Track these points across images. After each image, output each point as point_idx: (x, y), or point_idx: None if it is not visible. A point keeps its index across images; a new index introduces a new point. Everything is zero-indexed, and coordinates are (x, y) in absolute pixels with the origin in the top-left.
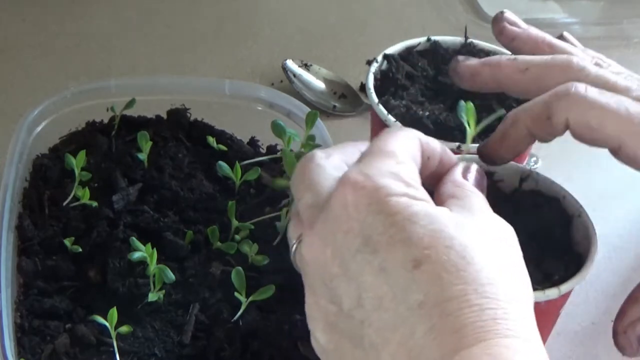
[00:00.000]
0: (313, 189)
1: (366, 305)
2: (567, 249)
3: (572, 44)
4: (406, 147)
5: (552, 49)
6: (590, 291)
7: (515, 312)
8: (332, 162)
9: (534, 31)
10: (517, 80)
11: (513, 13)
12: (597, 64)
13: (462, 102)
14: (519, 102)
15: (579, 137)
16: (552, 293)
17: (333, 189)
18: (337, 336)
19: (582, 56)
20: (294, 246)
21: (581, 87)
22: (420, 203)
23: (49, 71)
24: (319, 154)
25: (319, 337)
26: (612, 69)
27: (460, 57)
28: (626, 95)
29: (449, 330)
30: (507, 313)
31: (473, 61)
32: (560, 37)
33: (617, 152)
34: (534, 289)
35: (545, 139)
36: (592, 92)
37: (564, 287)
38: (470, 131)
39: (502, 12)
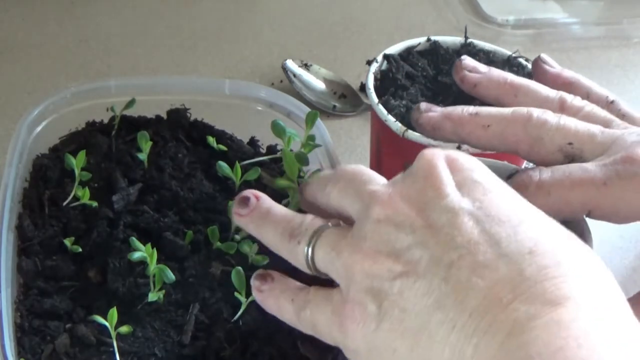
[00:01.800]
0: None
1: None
2: None
3: (550, 65)
4: None
5: (515, 91)
6: None
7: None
8: None
9: (495, 74)
10: (479, 136)
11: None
12: (561, 104)
13: None
14: None
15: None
16: None
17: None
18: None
19: (544, 97)
20: (311, 244)
21: (535, 176)
22: None
23: (49, 71)
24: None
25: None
26: (575, 106)
27: (423, 106)
28: (590, 144)
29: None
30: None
31: (435, 113)
32: (537, 59)
33: (589, 215)
34: None
35: None
36: (546, 175)
37: None
38: None
39: (460, 60)
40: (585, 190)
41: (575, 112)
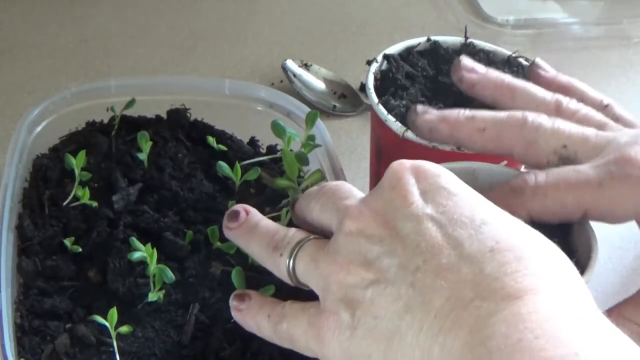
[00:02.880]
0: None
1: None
2: (567, 255)
3: (544, 69)
4: None
5: (512, 93)
6: (591, 291)
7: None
8: None
9: (493, 75)
10: (475, 139)
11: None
12: (557, 107)
13: None
14: None
15: (547, 221)
16: None
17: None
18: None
19: (541, 99)
20: (293, 255)
21: (530, 179)
22: None
23: (49, 71)
24: None
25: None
26: (570, 109)
27: (419, 108)
28: (584, 146)
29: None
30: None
31: (431, 115)
32: (532, 64)
33: (586, 217)
34: None
35: None
36: (541, 178)
37: None
38: None
39: (459, 60)
40: (581, 192)
41: (570, 115)
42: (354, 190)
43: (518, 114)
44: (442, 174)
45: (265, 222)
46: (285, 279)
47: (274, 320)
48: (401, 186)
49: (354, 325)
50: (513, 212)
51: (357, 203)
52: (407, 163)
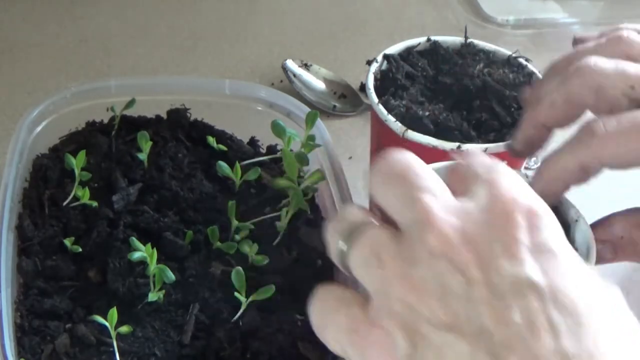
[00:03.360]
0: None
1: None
2: None
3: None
4: None
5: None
6: None
7: None
8: None
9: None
10: (550, 115)
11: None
12: (618, 42)
13: None
14: (519, 102)
15: (622, 169)
16: None
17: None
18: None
19: (597, 44)
20: (349, 238)
21: (599, 128)
22: None
23: (49, 71)
24: None
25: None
26: (633, 40)
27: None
28: None
29: None
30: None
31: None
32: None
33: None
34: None
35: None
36: (610, 125)
37: None
38: None
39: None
40: None
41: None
42: (428, 174)
43: (579, 63)
44: (555, 229)
45: None
46: (335, 260)
47: (313, 305)
48: (512, 231)
49: (413, 357)
50: (586, 165)
51: (444, 212)
52: (522, 199)
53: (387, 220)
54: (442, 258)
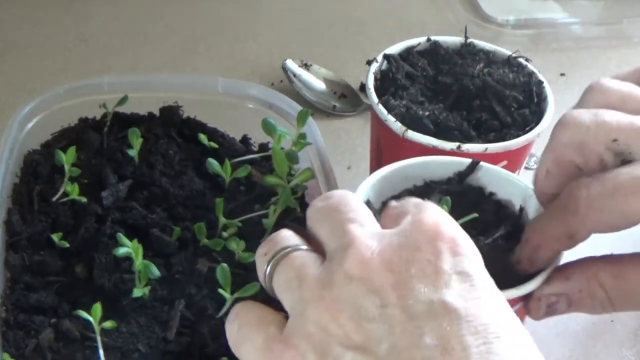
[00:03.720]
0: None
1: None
2: None
3: None
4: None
5: None
6: None
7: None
8: None
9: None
10: (545, 186)
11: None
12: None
13: (443, 200)
14: (519, 101)
15: (611, 232)
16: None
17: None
18: None
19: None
20: (276, 257)
21: (581, 194)
22: None
23: (49, 71)
24: None
25: None
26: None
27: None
28: (636, 138)
29: None
30: None
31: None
32: None
33: None
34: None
35: None
36: (594, 189)
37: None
38: None
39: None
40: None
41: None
42: (361, 210)
43: (561, 119)
44: (475, 258)
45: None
46: (261, 281)
47: (229, 318)
48: (431, 253)
49: None
50: (573, 233)
51: (366, 237)
52: (445, 229)
53: (318, 251)
54: (359, 280)
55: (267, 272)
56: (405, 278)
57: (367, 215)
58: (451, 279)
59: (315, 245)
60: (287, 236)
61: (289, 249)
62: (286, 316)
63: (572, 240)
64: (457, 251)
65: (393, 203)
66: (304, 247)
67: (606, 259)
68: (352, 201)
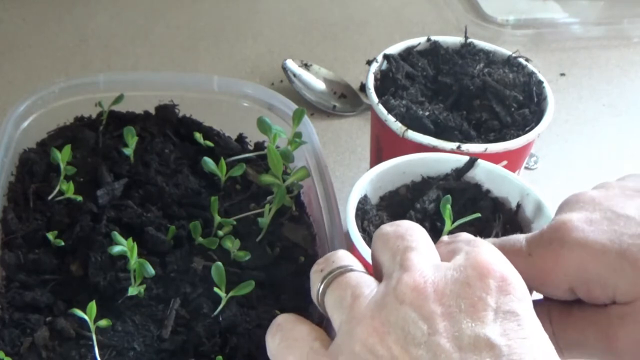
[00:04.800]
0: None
1: None
2: None
3: None
4: None
5: None
6: None
7: None
8: None
9: None
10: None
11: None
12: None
13: (445, 198)
14: (519, 101)
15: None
16: None
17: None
18: None
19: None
20: (332, 274)
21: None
22: None
23: (49, 71)
24: None
25: None
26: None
27: None
28: None
29: None
30: None
31: None
32: None
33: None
34: None
35: None
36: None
37: None
38: (446, 228)
39: None
40: (513, 262)
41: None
42: (426, 242)
43: None
44: (524, 297)
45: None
46: (313, 296)
47: (271, 330)
48: (480, 289)
49: None
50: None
51: (424, 266)
52: (497, 267)
53: (374, 275)
54: (409, 305)
55: (321, 290)
56: (454, 311)
57: (429, 248)
58: (498, 316)
59: (373, 269)
60: (344, 256)
61: (344, 268)
62: (329, 334)
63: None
64: (506, 290)
65: (445, 238)
66: (360, 268)
67: (562, 301)
68: (417, 232)
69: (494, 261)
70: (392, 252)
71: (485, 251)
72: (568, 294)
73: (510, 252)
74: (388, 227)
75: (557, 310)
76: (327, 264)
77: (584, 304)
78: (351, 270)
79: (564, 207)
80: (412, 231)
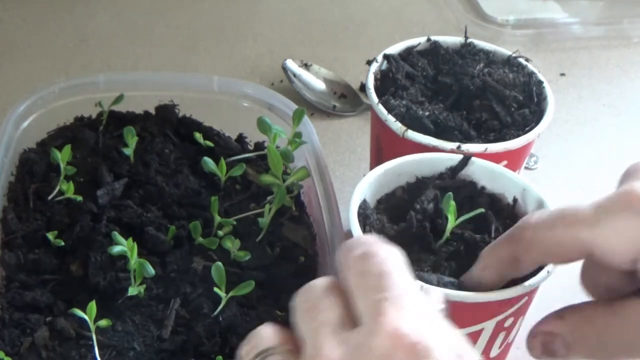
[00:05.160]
0: None
1: None
2: None
3: None
4: None
5: None
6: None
7: None
8: None
9: None
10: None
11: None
12: None
13: (447, 195)
14: (519, 101)
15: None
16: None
17: None
18: None
19: None
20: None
21: (525, 226)
22: None
23: (49, 71)
24: None
25: None
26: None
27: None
28: None
29: None
30: None
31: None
32: None
33: (592, 257)
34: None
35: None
36: (535, 220)
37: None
38: (450, 225)
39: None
40: (577, 231)
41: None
42: (333, 310)
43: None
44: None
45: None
46: None
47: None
48: None
49: None
50: (516, 257)
51: (333, 345)
52: (403, 339)
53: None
54: None
55: None
56: None
57: (337, 315)
58: None
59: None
60: (267, 336)
61: (266, 353)
62: None
63: (516, 265)
64: (414, 352)
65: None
66: (284, 347)
67: (603, 303)
68: (325, 302)
69: (402, 325)
70: (307, 330)
71: (393, 314)
72: (629, 264)
73: (573, 220)
74: (299, 298)
75: (600, 312)
76: (249, 348)
77: (626, 302)
78: (271, 354)
79: (631, 174)
80: (319, 300)
